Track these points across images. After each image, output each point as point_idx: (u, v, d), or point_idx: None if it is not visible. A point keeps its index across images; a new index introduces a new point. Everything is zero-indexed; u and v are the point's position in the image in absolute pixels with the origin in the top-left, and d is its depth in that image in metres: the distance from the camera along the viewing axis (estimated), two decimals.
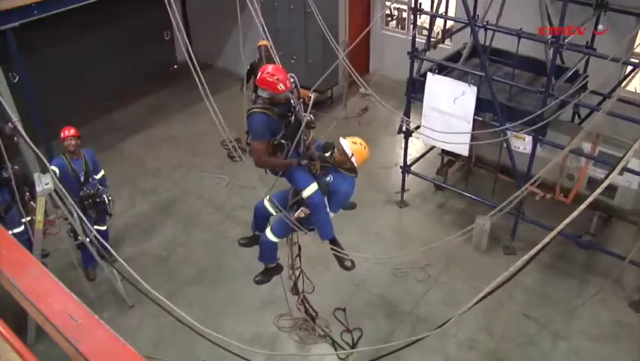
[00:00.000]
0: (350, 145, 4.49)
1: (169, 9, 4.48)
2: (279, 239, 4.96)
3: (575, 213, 2.72)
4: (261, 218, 5.11)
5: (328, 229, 4.73)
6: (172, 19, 4.51)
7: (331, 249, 4.96)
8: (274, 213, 4.96)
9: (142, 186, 8.66)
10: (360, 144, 4.53)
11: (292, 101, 4.33)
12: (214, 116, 4.39)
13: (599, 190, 2.77)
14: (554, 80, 6.23)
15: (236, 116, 9.01)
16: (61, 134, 6.20)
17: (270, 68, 4.25)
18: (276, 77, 4.16)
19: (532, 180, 5.33)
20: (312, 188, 4.44)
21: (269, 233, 4.92)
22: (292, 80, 4.29)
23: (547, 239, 2.78)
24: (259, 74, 4.27)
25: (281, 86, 4.17)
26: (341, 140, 4.53)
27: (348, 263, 5.02)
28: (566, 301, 6.51)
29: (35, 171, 6.25)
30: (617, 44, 6.63)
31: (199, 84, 4.31)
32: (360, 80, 6.58)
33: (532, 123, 6.05)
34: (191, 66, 4.30)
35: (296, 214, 4.60)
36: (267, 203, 4.94)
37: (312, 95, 4.55)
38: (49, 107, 8.23)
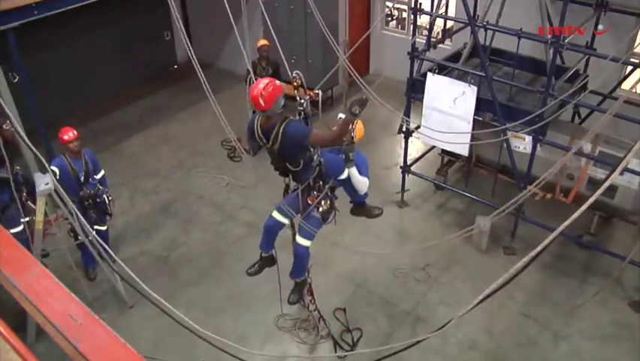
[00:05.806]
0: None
1: (172, 8, 4.48)
2: (312, 243, 4.91)
3: (576, 215, 2.70)
4: (273, 234, 5.03)
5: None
6: (172, 19, 4.52)
7: (362, 206, 5.23)
8: (287, 223, 4.96)
9: (142, 186, 8.66)
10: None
11: (298, 97, 4.37)
12: (218, 115, 4.39)
13: (599, 191, 2.75)
14: (554, 80, 6.22)
15: (237, 115, 9.00)
16: (64, 137, 6.06)
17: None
18: (254, 92, 4.08)
19: (537, 183, 5.30)
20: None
21: (303, 241, 4.84)
22: (298, 76, 4.39)
23: (546, 242, 2.76)
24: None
25: (255, 94, 4.07)
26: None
27: (377, 211, 5.29)
28: (566, 301, 6.51)
29: (35, 171, 6.25)
30: (617, 44, 6.63)
31: (203, 83, 4.31)
32: (361, 80, 6.58)
33: (532, 123, 6.05)
34: (195, 65, 4.30)
35: (322, 208, 4.68)
36: (277, 215, 4.89)
37: (320, 93, 4.54)
38: (49, 107, 8.25)
